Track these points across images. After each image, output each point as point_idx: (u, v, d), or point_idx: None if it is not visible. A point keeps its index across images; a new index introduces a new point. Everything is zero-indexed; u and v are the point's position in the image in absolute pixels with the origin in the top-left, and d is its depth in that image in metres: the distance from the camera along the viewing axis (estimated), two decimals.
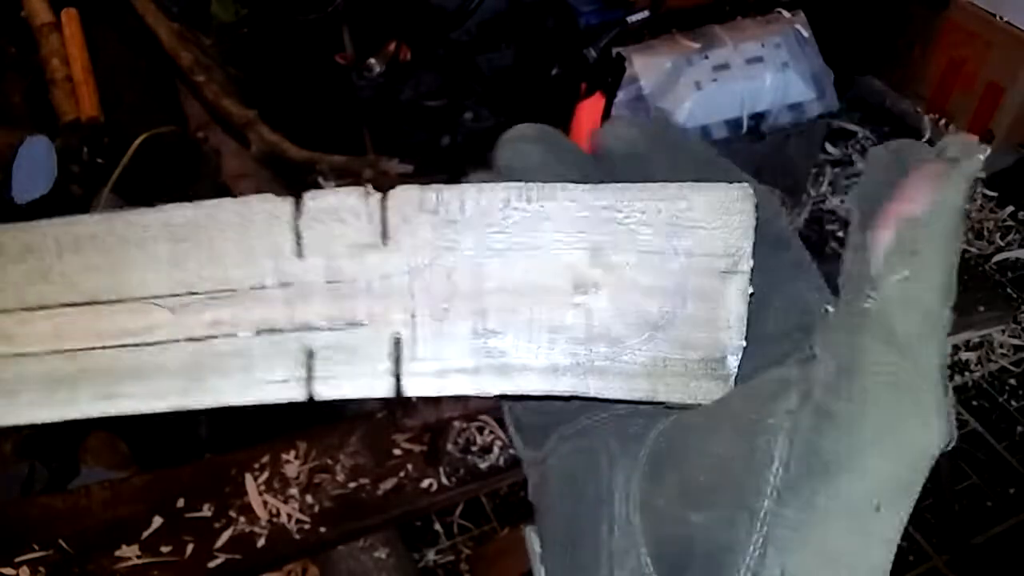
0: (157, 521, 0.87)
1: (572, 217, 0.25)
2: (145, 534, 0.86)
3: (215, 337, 0.25)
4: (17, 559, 0.83)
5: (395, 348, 0.26)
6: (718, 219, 0.25)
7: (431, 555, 1.45)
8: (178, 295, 0.25)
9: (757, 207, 0.25)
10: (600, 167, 0.28)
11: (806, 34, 1.12)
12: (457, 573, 1.45)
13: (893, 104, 1.43)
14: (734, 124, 1.10)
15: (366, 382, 0.26)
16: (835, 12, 1.26)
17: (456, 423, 0.96)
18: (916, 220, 0.22)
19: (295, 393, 0.26)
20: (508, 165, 0.28)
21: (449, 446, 0.95)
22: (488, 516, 1.53)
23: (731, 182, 0.26)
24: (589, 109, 1.05)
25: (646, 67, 1.05)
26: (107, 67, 1.15)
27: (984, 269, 1.70)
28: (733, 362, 0.26)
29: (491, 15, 1.02)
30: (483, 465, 0.95)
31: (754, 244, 0.26)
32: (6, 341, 0.25)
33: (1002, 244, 1.79)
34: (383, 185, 0.26)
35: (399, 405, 0.94)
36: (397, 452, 0.95)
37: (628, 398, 0.26)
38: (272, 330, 0.25)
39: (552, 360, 0.26)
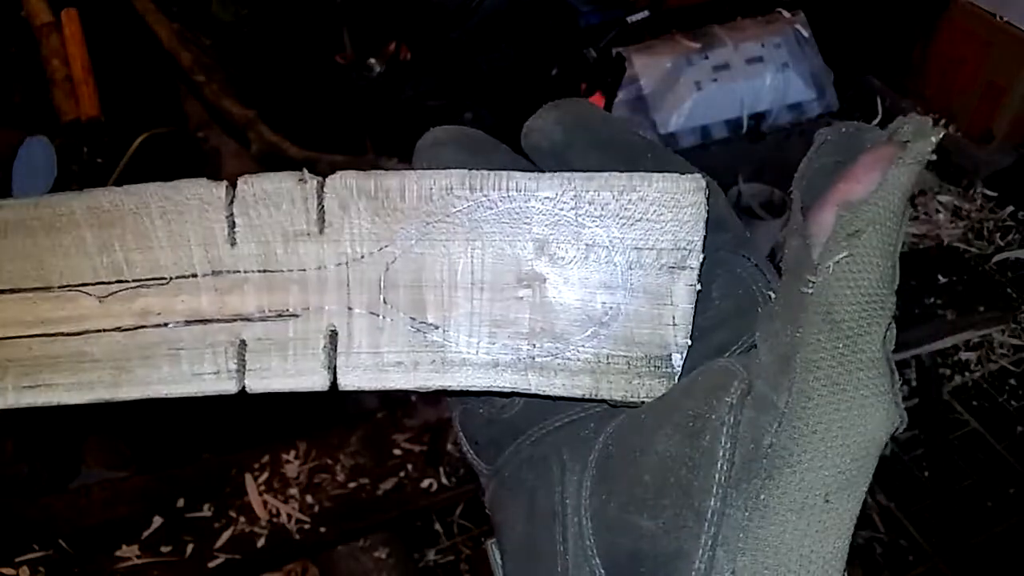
0: (157, 521, 0.87)
1: (517, 207, 0.24)
2: (145, 534, 0.86)
3: (144, 327, 0.24)
4: (17, 559, 0.83)
5: (330, 341, 0.25)
6: (668, 212, 0.24)
7: (431, 555, 1.45)
8: (105, 283, 0.25)
9: (708, 198, 0.24)
10: (531, 168, 0.26)
11: (806, 34, 1.12)
12: (457, 573, 1.45)
13: (893, 104, 1.43)
14: (734, 124, 1.10)
15: (300, 376, 0.25)
16: (835, 12, 1.26)
17: None
18: (860, 202, 0.21)
19: (225, 386, 0.24)
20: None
21: (449, 446, 0.95)
22: (488, 516, 1.53)
23: (650, 160, 0.25)
24: None
25: (646, 67, 1.05)
26: (107, 67, 1.15)
27: (984, 269, 1.70)
28: (678, 360, 0.25)
29: (491, 15, 1.02)
30: None
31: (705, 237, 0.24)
32: None
33: (1002, 244, 1.79)
34: (323, 170, 0.25)
35: (399, 405, 0.94)
36: (397, 452, 0.95)
37: (569, 395, 0.25)
38: (202, 320, 0.24)
39: (493, 355, 0.25)
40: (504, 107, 1.08)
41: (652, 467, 0.23)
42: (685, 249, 0.24)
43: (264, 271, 0.24)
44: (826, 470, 0.21)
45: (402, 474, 0.93)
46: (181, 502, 0.89)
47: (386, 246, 0.24)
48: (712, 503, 0.21)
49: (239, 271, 0.24)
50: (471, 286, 0.25)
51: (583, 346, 0.25)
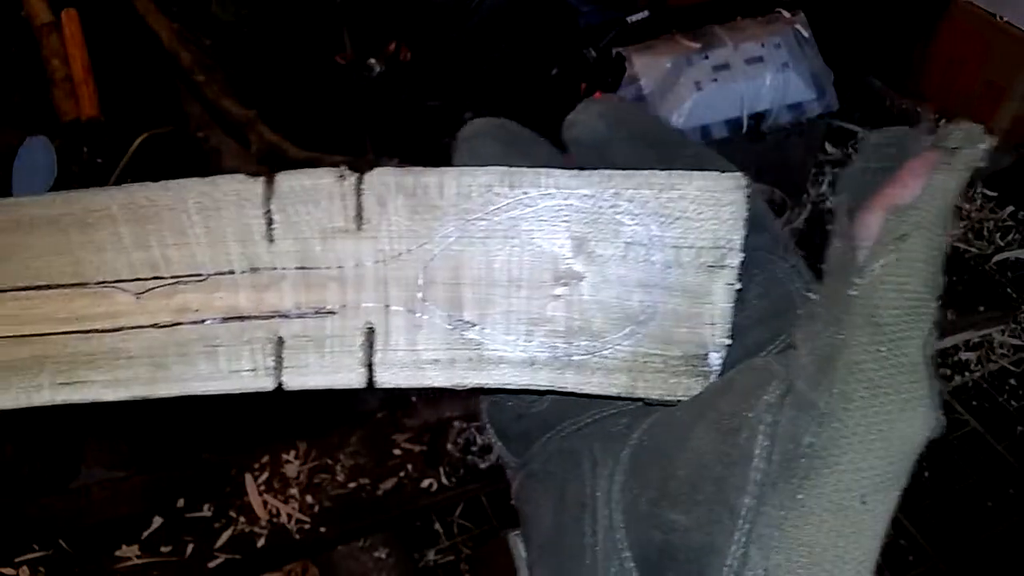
0: (157, 521, 0.87)
1: (555, 205, 0.24)
2: (145, 534, 0.86)
3: (181, 324, 0.24)
4: (17, 559, 0.83)
5: (367, 338, 0.25)
6: (708, 210, 0.24)
7: (431, 555, 1.45)
8: (142, 279, 0.24)
9: (749, 196, 0.24)
10: (568, 161, 0.27)
11: (806, 34, 1.12)
12: (457, 573, 1.45)
13: (893, 104, 1.43)
14: (734, 124, 1.10)
15: (337, 373, 0.25)
16: (835, 12, 1.26)
17: (456, 423, 0.96)
18: (907, 206, 0.21)
19: (263, 383, 0.25)
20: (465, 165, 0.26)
21: (449, 446, 0.95)
22: (488, 516, 1.53)
23: (686, 157, 0.25)
24: None
25: (646, 67, 1.05)
26: (107, 67, 1.15)
27: (984, 269, 1.70)
28: (716, 359, 0.25)
29: (491, 15, 1.02)
30: (483, 465, 0.95)
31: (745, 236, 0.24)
32: None
33: (1002, 244, 1.79)
34: (362, 167, 0.25)
35: (399, 405, 0.94)
36: (397, 452, 0.95)
37: (606, 394, 0.25)
38: (240, 317, 0.24)
39: (530, 353, 0.25)
40: (504, 107, 1.08)
41: (687, 463, 0.23)
42: (725, 248, 0.24)
43: (302, 268, 0.24)
44: (864, 472, 0.21)
45: (402, 474, 0.93)
46: (181, 502, 0.89)
47: (424, 243, 0.24)
48: (747, 500, 0.21)
49: (276, 268, 0.24)
50: (509, 283, 0.25)
51: (620, 345, 0.25)
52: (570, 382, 0.25)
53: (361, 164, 0.25)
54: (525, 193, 0.24)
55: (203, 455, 0.96)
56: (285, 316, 0.24)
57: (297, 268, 0.24)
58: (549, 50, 1.07)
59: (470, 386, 0.25)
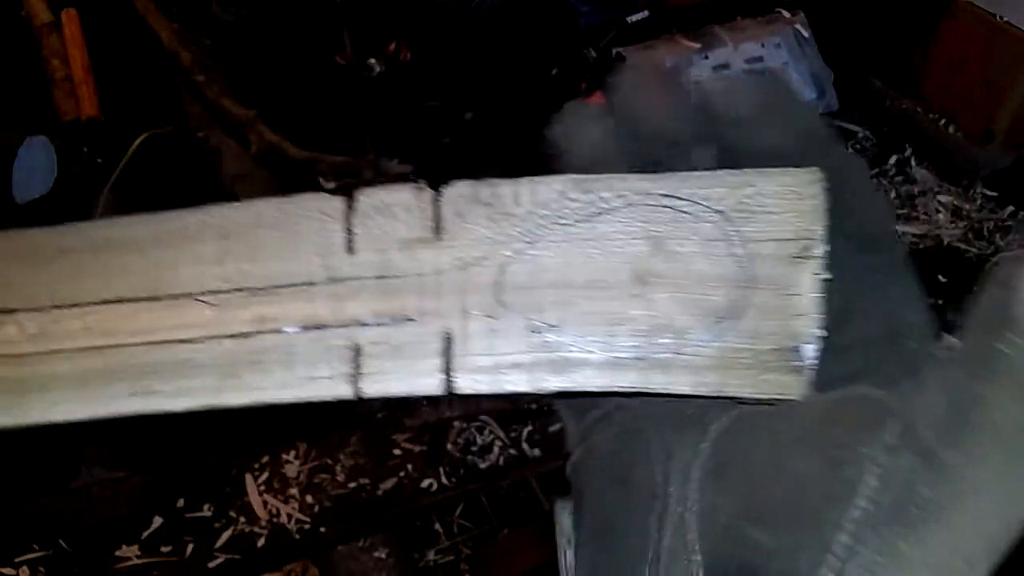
0: (157, 521, 0.87)
1: (631, 207, 0.24)
2: (145, 534, 0.86)
3: (258, 333, 0.25)
4: (17, 559, 0.83)
5: (446, 344, 0.25)
6: (787, 203, 0.24)
7: (431, 555, 1.45)
8: (222, 291, 0.25)
9: (829, 189, 0.24)
10: (701, 123, 0.26)
11: (806, 34, 1.12)
12: (457, 573, 1.45)
13: (893, 104, 1.43)
14: None
15: (415, 379, 0.25)
16: (835, 12, 1.26)
17: (456, 423, 0.96)
18: None
19: (341, 390, 0.25)
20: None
21: (449, 446, 0.95)
22: (488, 516, 1.53)
23: (830, 158, 0.25)
24: None
25: None
26: (107, 67, 1.15)
27: (984, 269, 1.70)
28: (809, 352, 0.24)
29: (491, 15, 1.02)
30: (483, 465, 0.95)
31: (832, 231, 0.24)
32: (38, 339, 0.25)
33: (1002, 244, 1.79)
34: (435, 184, 0.25)
35: (399, 405, 0.94)
36: (397, 452, 0.95)
37: (696, 393, 0.24)
38: (318, 326, 0.25)
39: (612, 354, 0.24)
40: (504, 107, 1.08)
41: (782, 485, 0.22)
42: (808, 239, 0.24)
43: (381, 277, 0.25)
44: (978, 536, 0.20)
45: (402, 474, 0.93)
46: (181, 502, 0.89)
47: (502, 250, 0.25)
48: (843, 537, 0.20)
49: (356, 278, 0.25)
50: (587, 285, 0.25)
51: (706, 341, 0.24)
52: (656, 382, 0.25)
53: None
54: (600, 197, 0.25)
55: (203, 455, 0.96)
56: (364, 324, 0.25)
57: (376, 277, 0.25)
58: (549, 50, 1.07)
59: (552, 391, 0.25)
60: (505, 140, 1.06)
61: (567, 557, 0.27)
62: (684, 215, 0.24)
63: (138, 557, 0.84)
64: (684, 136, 0.27)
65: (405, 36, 1.05)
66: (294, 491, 0.90)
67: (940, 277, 1.23)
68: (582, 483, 0.27)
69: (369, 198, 0.25)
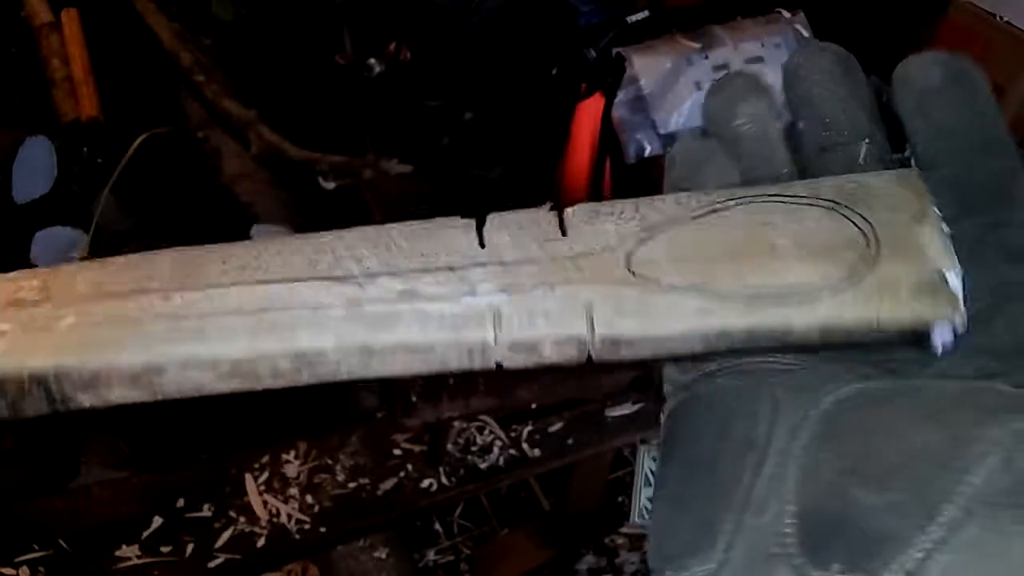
0: (157, 521, 0.87)
1: (751, 208, 0.27)
2: (145, 534, 0.86)
3: (399, 303, 0.26)
4: (17, 559, 0.83)
5: (588, 312, 0.26)
6: (894, 188, 0.26)
7: (431, 555, 1.45)
8: (372, 274, 0.27)
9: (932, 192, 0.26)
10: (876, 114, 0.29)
11: (806, 34, 1.12)
12: (457, 573, 1.45)
13: (893, 103, 1.43)
14: None
15: (558, 347, 0.26)
16: (835, 12, 1.26)
17: (456, 423, 0.96)
18: None
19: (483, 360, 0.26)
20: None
21: (449, 446, 0.95)
22: (488, 516, 1.53)
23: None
24: (589, 109, 1.05)
25: (646, 67, 1.05)
26: (107, 67, 1.15)
27: None
28: (955, 279, 0.24)
29: (491, 15, 1.02)
30: (483, 465, 0.95)
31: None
32: (197, 304, 0.27)
33: None
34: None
35: (399, 405, 0.94)
36: (397, 452, 0.95)
37: (844, 333, 0.25)
38: (449, 299, 0.26)
39: (750, 306, 0.26)
40: (504, 107, 1.08)
41: (898, 450, 0.22)
42: (922, 210, 0.26)
43: (518, 261, 0.27)
44: None
45: (402, 474, 0.93)
46: (181, 502, 0.89)
47: (629, 239, 0.27)
48: (952, 508, 0.20)
49: (493, 262, 0.27)
50: (723, 257, 0.26)
51: (843, 289, 0.25)
52: (799, 321, 0.25)
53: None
54: (718, 201, 0.27)
55: (203, 455, 0.96)
56: (503, 292, 0.26)
57: (513, 262, 0.27)
58: (549, 50, 1.07)
59: (703, 335, 0.26)
60: (505, 140, 1.06)
61: (641, 496, 0.27)
62: (792, 207, 0.27)
63: (138, 557, 0.84)
64: (860, 124, 0.29)
65: (405, 36, 1.05)
66: (294, 491, 0.90)
67: None
68: (677, 426, 0.27)
69: (500, 218, 0.27)
